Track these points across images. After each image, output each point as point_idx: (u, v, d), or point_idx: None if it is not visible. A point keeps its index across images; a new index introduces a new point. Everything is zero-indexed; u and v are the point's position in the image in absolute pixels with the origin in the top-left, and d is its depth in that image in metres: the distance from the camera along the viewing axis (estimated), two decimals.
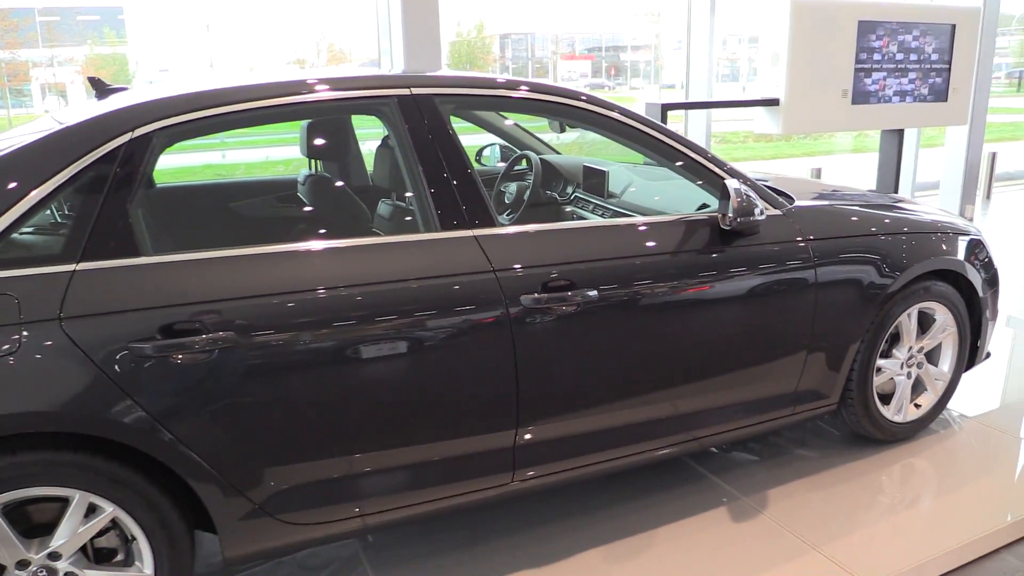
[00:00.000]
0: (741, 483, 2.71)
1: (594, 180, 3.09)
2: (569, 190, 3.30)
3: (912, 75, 5.77)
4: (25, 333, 1.66)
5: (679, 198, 2.72)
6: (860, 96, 5.61)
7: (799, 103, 5.43)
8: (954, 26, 5.78)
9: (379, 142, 2.80)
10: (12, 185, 1.75)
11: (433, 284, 2.00)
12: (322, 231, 2.45)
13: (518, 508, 2.55)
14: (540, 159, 3.18)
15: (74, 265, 1.74)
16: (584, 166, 3.21)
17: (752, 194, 2.38)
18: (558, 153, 3.54)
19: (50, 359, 1.67)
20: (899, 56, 5.68)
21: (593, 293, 2.16)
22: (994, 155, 6.87)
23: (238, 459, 1.86)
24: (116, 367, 1.71)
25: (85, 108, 2.04)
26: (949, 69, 5.88)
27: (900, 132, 6.02)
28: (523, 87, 2.33)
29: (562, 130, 3.20)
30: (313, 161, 2.78)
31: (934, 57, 5.81)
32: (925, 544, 2.37)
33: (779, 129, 5.54)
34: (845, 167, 12.48)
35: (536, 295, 2.09)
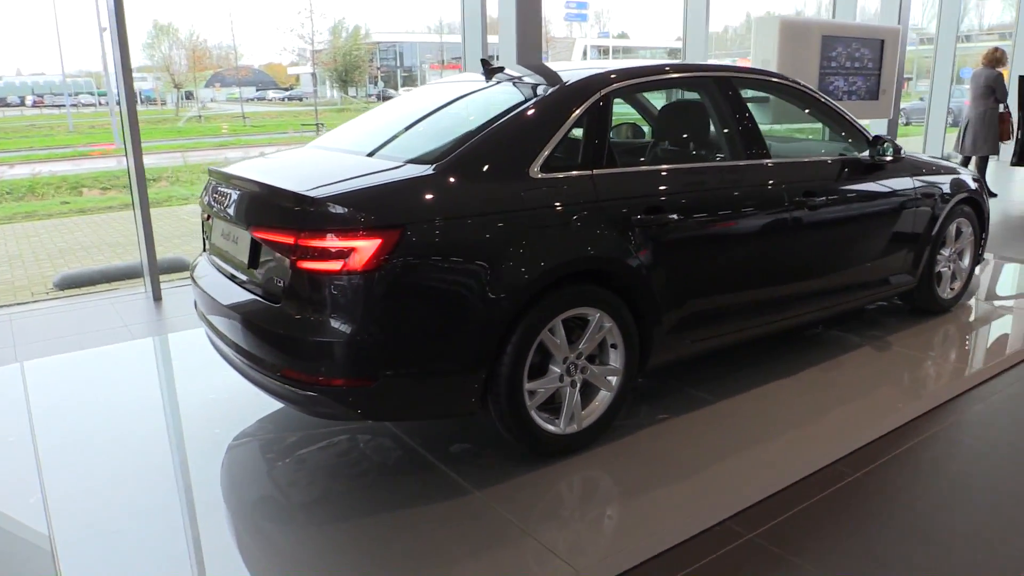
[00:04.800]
0: (870, 340, 4.12)
1: None
2: None
3: (856, 78, 7.54)
4: (581, 211, 2.73)
5: (824, 150, 4.10)
6: (823, 94, 7.30)
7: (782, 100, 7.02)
8: (883, 41, 7.60)
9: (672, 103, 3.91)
10: (548, 125, 2.81)
11: (749, 190, 3.25)
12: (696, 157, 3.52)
13: (771, 344, 3.92)
14: None
15: (592, 171, 2.83)
16: None
17: (892, 141, 3.80)
18: None
19: (594, 224, 2.75)
20: (847, 64, 7.42)
21: (822, 199, 3.48)
22: None
23: (670, 293, 3.00)
24: (624, 230, 2.81)
25: (557, 72, 3.16)
26: (879, 74, 7.70)
27: None
28: (765, 74, 3.63)
29: None
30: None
31: (870, 65, 7.61)
32: (980, 361, 3.91)
33: (770, 121, 7.10)
34: None
35: (799, 198, 3.38)
